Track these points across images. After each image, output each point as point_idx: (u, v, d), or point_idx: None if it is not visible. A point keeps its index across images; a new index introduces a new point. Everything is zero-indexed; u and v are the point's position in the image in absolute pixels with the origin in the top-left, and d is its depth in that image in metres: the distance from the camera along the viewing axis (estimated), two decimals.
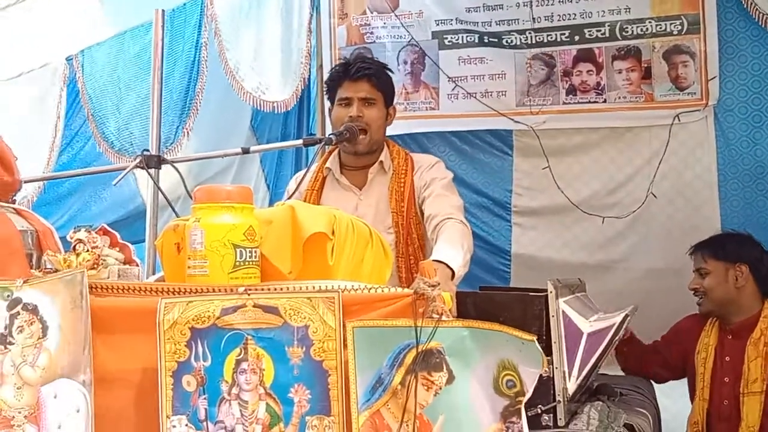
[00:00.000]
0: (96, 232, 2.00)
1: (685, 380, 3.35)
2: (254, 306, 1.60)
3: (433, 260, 2.27)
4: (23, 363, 1.65)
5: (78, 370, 1.63)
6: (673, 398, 3.56)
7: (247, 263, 1.74)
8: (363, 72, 2.86)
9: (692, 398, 3.30)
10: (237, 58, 3.88)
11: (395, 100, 3.01)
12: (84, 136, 4.33)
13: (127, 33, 4.19)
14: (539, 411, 2.07)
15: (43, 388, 1.63)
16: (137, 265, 2.00)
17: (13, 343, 1.65)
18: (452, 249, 2.43)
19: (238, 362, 1.60)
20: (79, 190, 4.37)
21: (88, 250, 1.93)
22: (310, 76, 4.00)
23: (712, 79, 3.44)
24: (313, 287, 1.63)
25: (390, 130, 3.02)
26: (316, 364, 1.57)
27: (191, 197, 1.86)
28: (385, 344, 1.53)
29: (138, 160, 2.67)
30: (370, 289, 1.62)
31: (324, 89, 3.22)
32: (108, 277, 1.92)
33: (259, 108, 3.92)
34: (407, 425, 1.50)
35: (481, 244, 3.63)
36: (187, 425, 1.60)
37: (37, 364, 1.64)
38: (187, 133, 4.02)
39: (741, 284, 3.13)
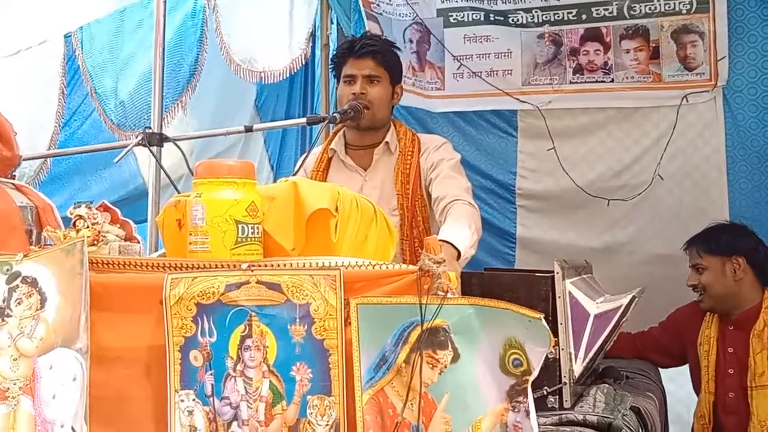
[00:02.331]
0: (96, 209, 1.97)
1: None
2: (258, 282, 1.58)
3: (440, 240, 2.25)
4: (20, 335, 1.62)
5: (75, 338, 1.60)
6: (680, 383, 3.56)
7: (249, 239, 1.71)
8: (367, 49, 2.83)
9: (696, 390, 3.28)
10: (232, 30, 3.84)
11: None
12: (82, 114, 4.31)
13: (126, 9, 4.15)
14: (545, 392, 2.07)
15: (40, 359, 1.60)
16: (138, 242, 1.98)
17: (11, 316, 1.63)
18: (459, 230, 2.41)
19: (242, 339, 1.58)
20: (79, 170, 4.36)
21: (88, 227, 1.90)
22: (314, 54, 3.95)
23: (721, 59, 3.40)
24: (317, 264, 1.60)
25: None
26: (318, 342, 1.55)
27: (194, 176, 1.83)
28: (390, 321, 1.50)
29: (139, 138, 2.64)
30: (375, 265, 1.58)
31: (329, 68, 3.19)
32: (109, 254, 1.89)
33: (249, 80, 3.87)
34: (412, 404, 1.48)
35: (485, 227, 3.57)
36: (194, 400, 1.59)
37: (35, 335, 1.62)
38: (183, 106, 3.98)
39: (740, 277, 3.09)
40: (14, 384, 1.60)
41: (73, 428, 1.58)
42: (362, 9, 3.84)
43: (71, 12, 4.27)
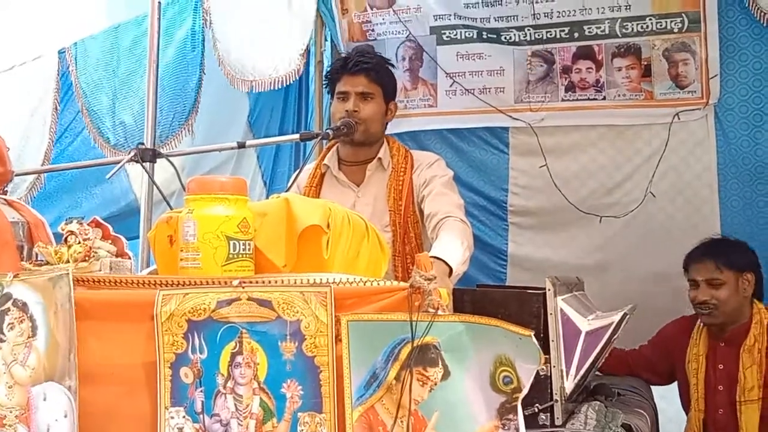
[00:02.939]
0: (88, 224, 1.97)
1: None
2: (248, 299, 1.58)
3: (432, 257, 2.25)
4: (14, 362, 1.62)
5: (64, 375, 1.61)
6: (671, 400, 3.54)
7: (240, 256, 1.71)
8: (361, 66, 2.84)
9: (685, 408, 3.27)
10: (227, 43, 3.84)
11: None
12: (73, 132, 4.29)
13: (121, 26, 4.15)
14: (536, 410, 2.05)
15: (33, 389, 1.60)
16: (129, 258, 1.98)
17: (4, 341, 1.63)
18: (451, 246, 2.40)
19: (233, 355, 1.58)
20: (70, 188, 4.33)
21: (79, 242, 1.91)
22: (308, 70, 3.96)
23: (712, 77, 3.41)
24: (308, 280, 1.60)
25: (388, 129, 2.99)
26: (308, 359, 1.55)
27: (186, 192, 1.83)
28: (380, 339, 1.51)
29: (132, 154, 2.64)
30: (366, 282, 1.59)
31: (323, 85, 3.19)
32: (100, 270, 1.89)
33: (246, 90, 3.87)
34: (401, 421, 1.48)
35: (476, 245, 3.56)
36: (184, 417, 1.59)
37: (27, 363, 1.62)
38: (189, 130, 3.98)
39: (747, 293, 3.06)
40: (11, 412, 1.61)
41: None
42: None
43: (66, 28, 4.28)
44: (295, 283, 1.60)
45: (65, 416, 1.59)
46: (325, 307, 1.55)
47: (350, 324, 1.52)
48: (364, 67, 2.84)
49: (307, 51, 3.90)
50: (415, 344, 1.47)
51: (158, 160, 2.91)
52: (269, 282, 1.61)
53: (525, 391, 1.44)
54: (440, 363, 1.48)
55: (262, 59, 3.83)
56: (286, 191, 2.84)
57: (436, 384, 1.48)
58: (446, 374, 1.48)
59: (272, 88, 3.83)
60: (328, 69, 3.04)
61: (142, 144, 2.85)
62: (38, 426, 1.60)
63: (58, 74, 4.27)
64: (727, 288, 3.04)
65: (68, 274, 1.65)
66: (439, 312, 1.48)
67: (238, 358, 1.57)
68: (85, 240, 1.91)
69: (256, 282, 1.62)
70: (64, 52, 4.29)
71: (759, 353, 2.99)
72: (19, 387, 1.61)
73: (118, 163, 2.59)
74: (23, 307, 1.64)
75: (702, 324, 3.16)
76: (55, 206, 4.23)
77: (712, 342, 3.12)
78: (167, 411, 1.59)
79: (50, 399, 1.60)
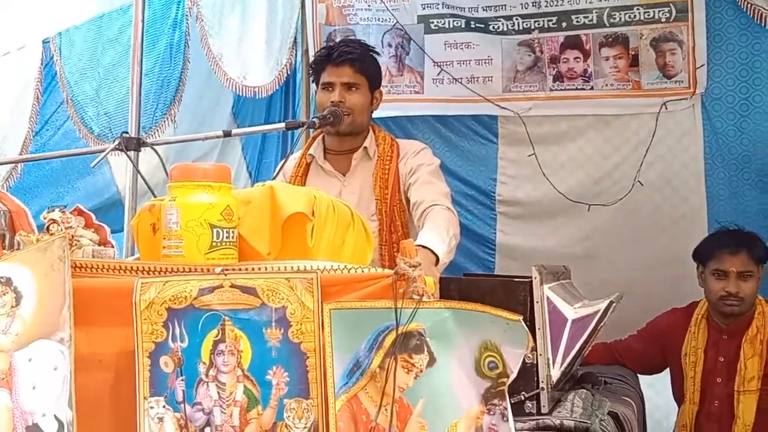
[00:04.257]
0: (71, 213, 1.95)
1: (668, 371, 3.32)
2: (231, 286, 1.56)
3: (418, 245, 2.24)
4: None
5: (56, 329, 1.58)
6: (658, 389, 3.55)
7: (224, 244, 1.69)
8: (345, 56, 2.82)
9: (677, 399, 3.27)
10: (221, 43, 3.83)
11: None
12: (55, 124, 4.25)
13: (105, 15, 4.12)
14: (523, 398, 2.05)
15: (17, 354, 1.58)
16: (112, 247, 1.96)
17: None
18: (437, 235, 2.40)
19: (215, 343, 1.56)
20: (51, 181, 4.29)
21: (62, 231, 1.88)
22: (295, 61, 3.94)
23: (699, 67, 3.41)
24: (292, 267, 1.59)
25: (374, 114, 2.98)
26: (294, 346, 1.53)
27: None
28: (364, 326, 1.49)
29: (117, 142, 2.61)
30: (350, 269, 1.58)
31: (309, 74, 3.17)
32: (82, 258, 1.87)
33: (240, 93, 3.88)
34: (386, 409, 1.47)
35: (465, 234, 3.58)
36: (164, 407, 1.57)
37: (10, 331, 1.59)
38: (173, 119, 3.96)
39: (759, 285, 3.05)
40: None
41: (56, 416, 1.56)
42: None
43: (50, 17, 4.24)
44: (280, 270, 1.58)
45: (55, 369, 1.57)
46: (311, 293, 1.53)
47: (333, 312, 1.51)
48: (349, 57, 2.82)
49: (295, 41, 3.89)
50: (400, 331, 1.46)
51: (142, 151, 2.89)
52: (253, 269, 1.60)
53: (512, 376, 1.43)
54: (426, 350, 1.47)
55: (256, 62, 3.83)
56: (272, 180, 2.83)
57: (421, 371, 1.47)
58: (432, 361, 1.47)
59: (272, 92, 3.84)
60: (313, 58, 3.02)
61: (127, 133, 2.82)
62: (20, 387, 1.57)
63: (41, 64, 4.24)
64: (753, 281, 3.03)
65: (63, 237, 1.63)
66: (424, 298, 1.46)
67: (221, 346, 1.56)
68: (67, 228, 1.89)
69: (240, 269, 1.60)
70: (49, 41, 4.25)
71: (761, 344, 2.99)
72: (1, 354, 1.59)
73: (101, 152, 2.56)
74: (7, 281, 1.61)
75: (702, 317, 3.14)
76: (37, 199, 4.19)
77: (714, 335, 3.11)
78: (146, 401, 1.57)
79: (36, 359, 1.58)
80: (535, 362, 2.06)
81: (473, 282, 2.32)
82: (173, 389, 1.56)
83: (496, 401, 1.44)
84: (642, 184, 3.53)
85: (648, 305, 3.32)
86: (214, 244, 1.68)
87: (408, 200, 2.78)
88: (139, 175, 2.76)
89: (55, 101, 4.24)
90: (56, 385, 1.56)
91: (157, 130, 3.94)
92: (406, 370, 1.47)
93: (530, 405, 2.06)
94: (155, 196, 2.45)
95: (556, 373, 2.10)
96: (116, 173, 4.10)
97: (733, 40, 3.40)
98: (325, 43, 3.73)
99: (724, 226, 3.21)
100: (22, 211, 2.11)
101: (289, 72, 3.89)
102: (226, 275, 1.56)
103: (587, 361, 2.89)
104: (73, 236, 1.88)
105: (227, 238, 1.70)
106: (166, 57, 4.00)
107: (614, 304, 2.29)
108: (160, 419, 1.56)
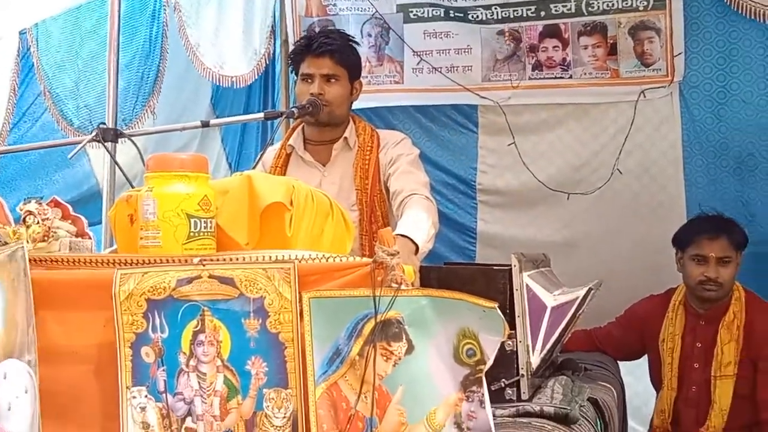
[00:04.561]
0: (47, 204, 1.94)
1: (646, 357, 3.35)
2: (210, 277, 1.56)
3: (397, 234, 2.25)
4: None
5: (24, 351, 1.58)
6: (638, 376, 3.58)
7: (201, 234, 1.68)
8: (325, 48, 2.81)
9: (655, 385, 3.30)
10: (198, 33, 3.81)
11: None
12: (33, 116, 4.22)
13: (82, 7, 4.08)
14: (503, 385, 2.08)
15: None
16: (90, 238, 1.94)
17: None
18: (416, 224, 2.40)
19: (195, 334, 1.56)
20: (29, 174, 4.27)
21: (38, 223, 1.87)
22: (274, 51, 3.93)
23: (677, 55, 3.44)
24: (270, 257, 1.58)
25: (353, 104, 2.97)
26: (273, 336, 1.53)
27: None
28: (343, 315, 1.49)
29: (94, 134, 2.59)
30: (328, 258, 1.57)
31: (288, 64, 3.16)
32: (59, 250, 1.86)
33: (218, 83, 3.86)
34: (365, 396, 1.47)
35: (446, 223, 3.60)
36: (146, 396, 1.57)
37: None
38: (152, 111, 3.94)
39: (737, 271, 3.08)
40: None
41: None
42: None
43: (26, 8, 4.20)
44: (258, 260, 1.58)
45: (26, 392, 1.56)
46: (288, 283, 1.53)
47: (312, 301, 1.51)
48: (329, 48, 2.81)
49: (273, 31, 3.87)
50: (379, 319, 1.47)
51: (121, 143, 2.87)
52: (231, 259, 1.59)
53: (489, 363, 1.44)
54: (404, 337, 1.47)
55: (234, 52, 3.81)
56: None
57: (400, 358, 1.48)
58: (410, 348, 1.47)
59: (250, 82, 3.82)
60: (293, 48, 3.01)
61: (104, 124, 2.80)
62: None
63: (18, 55, 4.20)
64: (732, 266, 3.05)
65: (22, 247, 1.62)
66: (402, 286, 1.47)
67: (201, 336, 1.55)
68: (44, 220, 1.87)
69: (218, 260, 1.60)
70: (26, 33, 4.22)
71: (738, 330, 3.02)
72: None
73: (78, 143, 2.54)
74: None
75: (679, 303, 3.16)
76: (15, 192, 4.17)
77: (691, 320, 3.13)
78: (129, 391, 1.57)
79: (10, 377, 1.56)
80: (515, 349, 2.08)
81: (453, 270, 2.35)
82: (155, 379, 1.56)
83: (474, 388, 1.44)
84: (621, 172, 3.56)
85: (627, 292, 3.35)
86: (191, 234, 1.67)
87: (388, 190, 2.78)
88: (117, 167, 2.75)
89: (33, 93, 4.21)
90: (28, 409, 1.56)
91: (137, 122, 3.93)
92: (385, 357, 1.47)
93: (510, 392, 2.08)
94: (133, 188, 2.45)
95: (535, 360, 2.12)
96: (95, 165, 4.08)
97: (710, 28, 3.43)
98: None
99: (704, 211, 3.23)
100: None
101: (267, 62, 3.88)
102: (204, 266, 1.56)
103: (567, 348, 2.90)
104: (50, 228, 1.86)
105: (205, 228, 1.69)
106: (145, 49, 3.98)
107: (593, 291, 2.31)
108: (143, 409, 1.56)
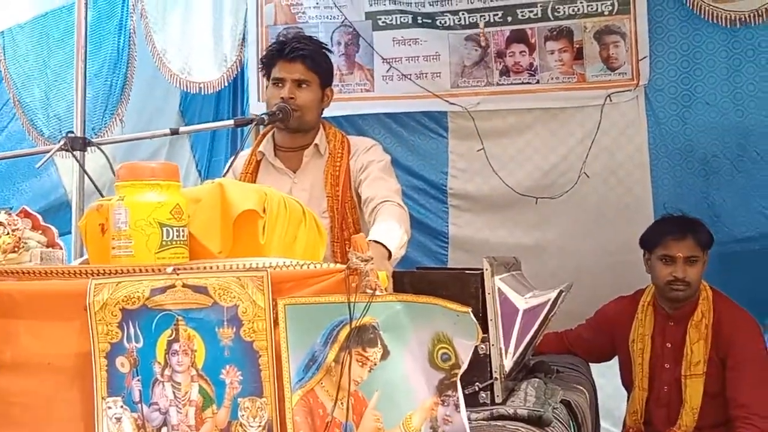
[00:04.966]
0: (17, 215, 1.92)
1: (617, 358, 3.39)
2: (184, 286, 1.56)
3: (370, 240, 2.25)
4: None
5: None
6: (609, 377, 3.61)
7: (174, 243, 1.68)
8: (297, 53, 2.80)
9: (626, 386, 3.32)
10: (164, 39, 3.79)
11: None
12: None
13: (48, 14, 4.05)
14: (477, 388, 2.08)
15: None
16: (61, 248, 1.93)
17: None
18: (389, 230, 2.41)
19: (169, 343, 1.56)
20: None
21: (8, 233, 1.86)
22: (245, 58, 3.92)
23: (642, 59, 3.48)
24: (243, 265, 1.58)
25: (325, 112, 2.98)
26: (247, 345, 1.53)
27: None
28: (318, 321, 1.50)
29: (62, 143, 2.57)
30: (302, 265, 1.58)
31: (259, 69, 3.16)
32: (30, 261, 1.85)
33: (185, 89, 3.85)
34: (342, 402, 1.47)
35: (417, 227, 3.61)
36: (122, 406, 1.56)
37: None
38: (120, 120, 3.92)
39: (704, 270, 3.11)
40: None
41: None
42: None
43: None
44: (231, 268, 1.58)
45: None
46: (262, 291, 1.53)
47: (287, 308, 1.51)
48: (301, 54, 2.81)
49: (244, 37, 3.86)
50: (354, 325, 1.47)
51: (90, 152, 2.85)
52: (204, 268, 1.59)
53: (464, 367, 1.45)
54: (379, 343, 1.48)
55: (203, 60, 3.80)
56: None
57: (375, 364, 1.48)
58: (386, 354, 1.48)
59: (220, 88, 3.81)
60: (264, 52, 3.00)
61: (72, 132, 2.78)
62: None
63: None
64: (699, 265, 3.08)
65: None
66: (377, 291, 1.48)
67: (175, 346, 1.55)
68: (14, 231, 1.86)
69: (191, 268, 1.59)
70: None
71: (706, 328, 3.05)
72: None
73: (46, 153, 2.52)
74: None
75: (648, 304, 3.20)
76: None
77: (661, 321, 3.16)
78: (104, 401, 1.56)
79: None
80: (488, 353, 2.09)
81: (426, 275, 2.35)
82: (130, 389, 1.56)
83: (449, 392, 1.45)
84: (588, 176, 3.60)
85: (596, 294, 3.38)
86: (164, 243, 1.67)
87: (359, 197, 2.78)
88: (86, 176, 2.73)
89: None
90: None
91: (106, 131, 3.91)
92: (360, 363, 1.48)
93: (484, 395, 2.09)
94: (103, 197, 2.43)
95: (508, 363, 2.13)
96: (63, 175, 4.05)
97: (675, 32, 3.48)
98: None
99: (670, 213, 3.27)
100: None
101: (238, 69, 3.88)
102: (178, 275, 1.55)
103: (539, 351, 2.93)
104: (20, 238, 1.85)
105: (177, 236, 1.69)
106: (112, 57, 3.97)
107: (564, 294, 2.33)
108: (118, 419, 1.56)
